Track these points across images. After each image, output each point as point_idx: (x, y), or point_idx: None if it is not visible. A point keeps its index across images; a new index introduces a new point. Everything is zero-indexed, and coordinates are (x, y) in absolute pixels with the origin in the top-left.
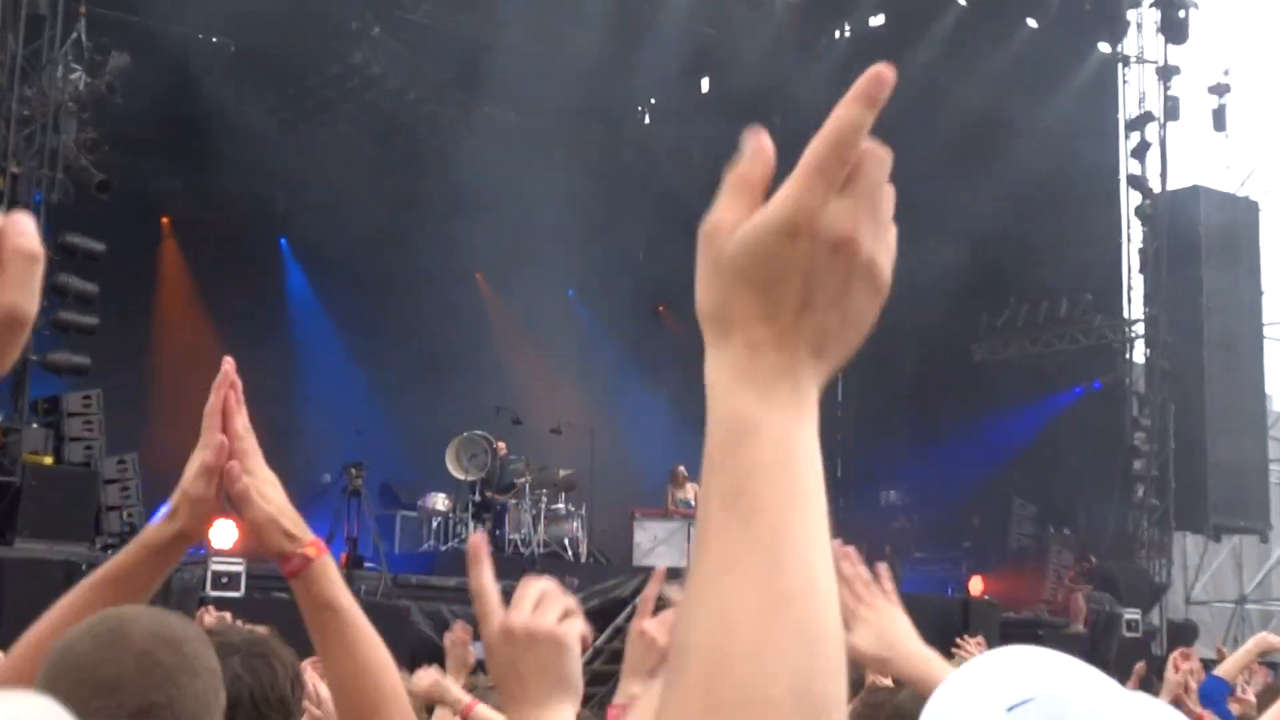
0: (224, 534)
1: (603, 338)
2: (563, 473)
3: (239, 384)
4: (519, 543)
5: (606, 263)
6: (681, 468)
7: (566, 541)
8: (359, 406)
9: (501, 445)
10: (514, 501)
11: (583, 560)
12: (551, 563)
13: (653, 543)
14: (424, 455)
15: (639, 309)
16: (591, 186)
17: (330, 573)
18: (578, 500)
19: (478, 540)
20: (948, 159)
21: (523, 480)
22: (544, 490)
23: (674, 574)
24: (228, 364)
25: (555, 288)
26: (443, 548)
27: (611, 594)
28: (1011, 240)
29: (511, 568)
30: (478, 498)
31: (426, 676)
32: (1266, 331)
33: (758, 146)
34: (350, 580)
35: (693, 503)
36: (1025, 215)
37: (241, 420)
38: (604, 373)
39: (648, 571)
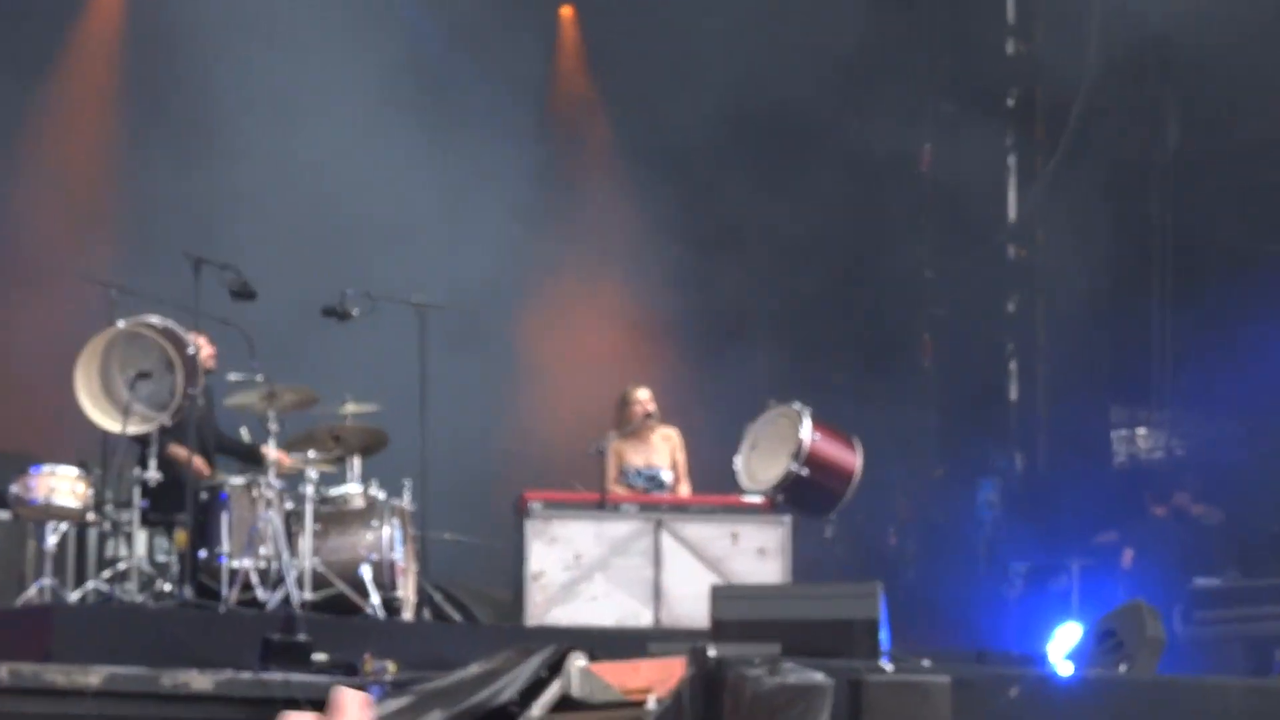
0: None
1: (440, 79)
2: (352, 408)
3: None
4: (259, 581)
5: None
6: (640, 392)
7: (367, 574)
8: None
9: (205, 345)
10: (242, 482)
11: (404, 617)
12: (334, 631)
13: (576, 568)
14: (17, 373)
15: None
16: None
17: None
18: (392, 473)
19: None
20: None
21: (264, 428)
22: (311, 451)
23: (631, 641)
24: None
25: None
26: (73, 595)
27: (477, 698)
28: None
29: (230, 649)
30: (157, 473)
31: None
32: None
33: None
34: None
35: (665, 476)
36: None
37: None
38: (441, 168)
39: (560, 642)
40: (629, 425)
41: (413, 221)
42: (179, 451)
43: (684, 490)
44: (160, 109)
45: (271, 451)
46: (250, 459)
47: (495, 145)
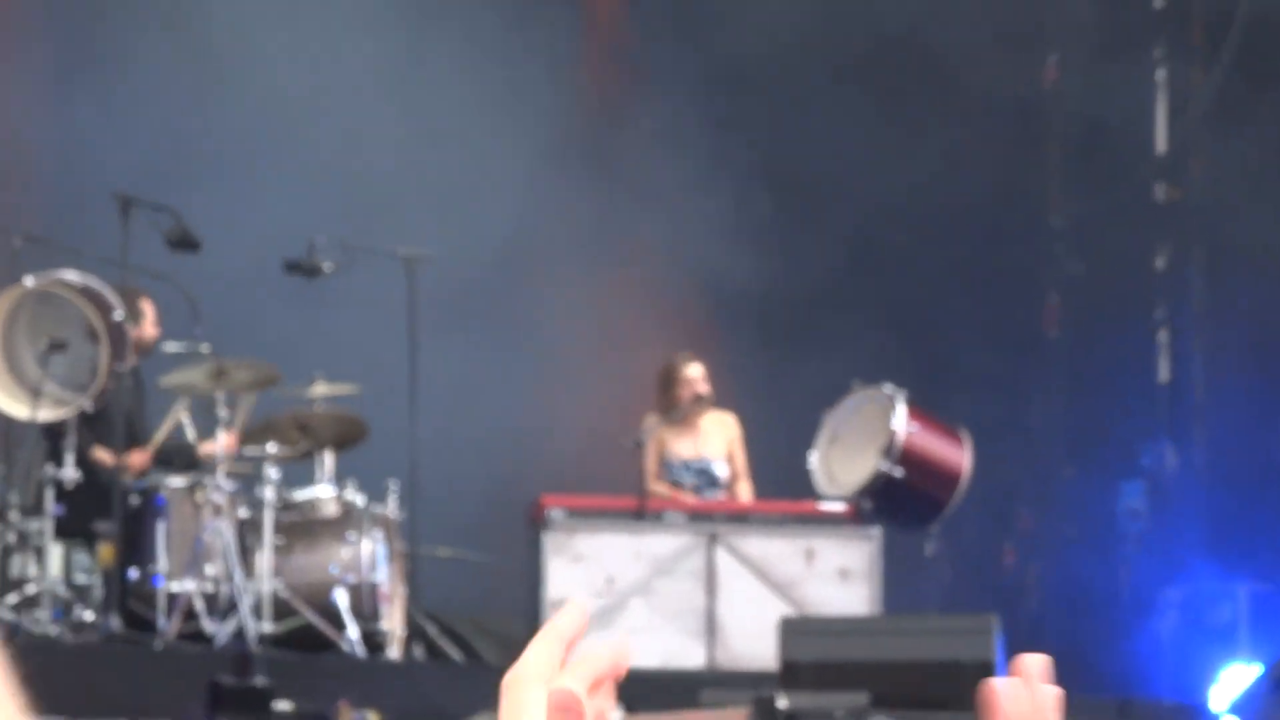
0: None
1: None
2: (323, 390)
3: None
4: (205, 609)
5: None
6: (691, 368)
7: (342, 600)
8: None
9: (149, 313)
10: (184, 484)
11: (389, 654)
12: (300, 672)
13: (608, 594)
14: None
15: None
16: None
17: None
18: (374, 473)
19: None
20: None
21: (209, 414)
22: (271, 444)
23: (679, 687)
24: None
25: None
26: None
27: None
28: None
29: (169, 694)
30: (75, 471)
31: None
32: None
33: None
34: None
35: (719, 469)
36: None
37: None
38: (438, 88)
39: None
40: (675, 409)
41: (401, 155)
42: (104, 456)
43: (744, 492)
44: (80, 18)
45: (218, 442)
46: (185, 465)
47: (511, 59)
